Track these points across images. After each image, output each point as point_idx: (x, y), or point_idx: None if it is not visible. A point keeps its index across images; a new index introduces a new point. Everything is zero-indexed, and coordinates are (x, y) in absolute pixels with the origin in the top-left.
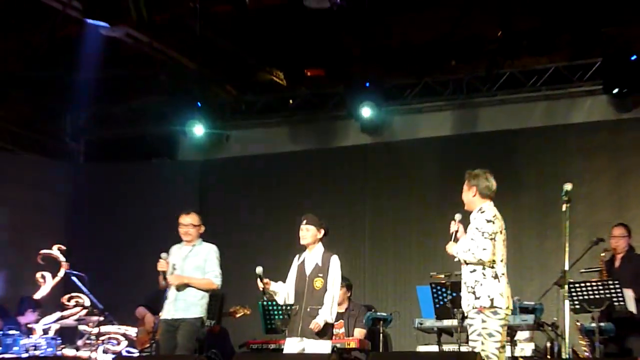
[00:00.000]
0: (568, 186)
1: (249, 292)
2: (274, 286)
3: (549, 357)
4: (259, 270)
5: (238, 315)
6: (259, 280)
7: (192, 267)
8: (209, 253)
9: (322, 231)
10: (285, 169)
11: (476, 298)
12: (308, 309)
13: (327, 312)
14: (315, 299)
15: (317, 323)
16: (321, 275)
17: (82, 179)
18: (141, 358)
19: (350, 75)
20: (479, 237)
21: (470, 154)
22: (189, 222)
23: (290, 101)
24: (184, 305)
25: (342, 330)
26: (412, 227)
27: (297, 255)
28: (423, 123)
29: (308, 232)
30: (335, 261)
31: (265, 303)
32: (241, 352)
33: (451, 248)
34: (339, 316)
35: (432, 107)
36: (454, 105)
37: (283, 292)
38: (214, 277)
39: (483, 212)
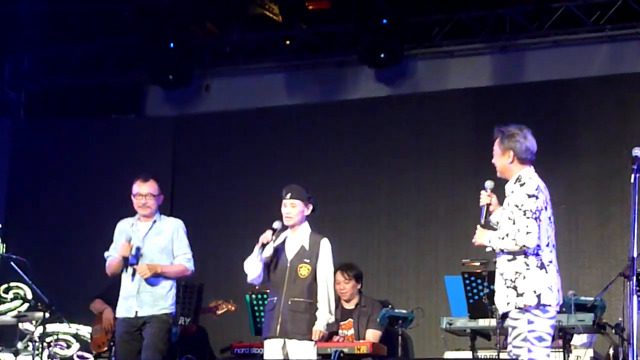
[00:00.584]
0: (638, 151)
1: (233, 282)
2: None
3: None
4: (277, 224)
5: (220, 312)
6: (270, 233)
7: (156, 250)
8: (177, 230)
9: (310, 207)
10: (279, 127)
11: (519, 295)
12: (289, 302)
13: (327, 312)
14: (298, 290)
15: (318, 330)
16: (307, 261)
17: (23, 138)
18: None
19: (363, 10)
20: (519, 217)
21: (513, 109)
22: (147, 191)
23: (287, 42)
24: (151, 299)
25: (352, 331)
26: (439, 201)
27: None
28: (454, 70)
29: (294, 209)
30: (326, 245)
31: (253, 296)
32: (223, 358)
33: (482, 236)
34: (348, 314)
35: (466, 51)
36: (493, 48)
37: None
38: (187, 261)
39: (523, 183)
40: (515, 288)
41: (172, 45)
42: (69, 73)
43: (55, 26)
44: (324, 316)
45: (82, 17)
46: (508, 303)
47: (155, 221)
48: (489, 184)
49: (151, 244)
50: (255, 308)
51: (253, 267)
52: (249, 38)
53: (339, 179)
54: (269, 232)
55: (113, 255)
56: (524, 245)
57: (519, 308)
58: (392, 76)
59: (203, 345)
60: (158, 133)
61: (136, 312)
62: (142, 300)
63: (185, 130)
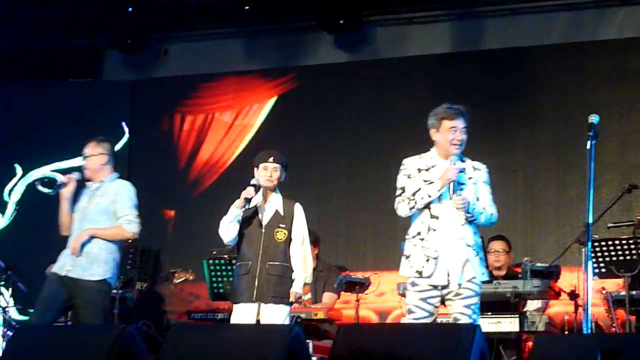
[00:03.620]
0: (594, 118)
1: (191, 249)
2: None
3: (566, 332)
4: (255, 181)
5: (177, 281)
6: (252, 189)
7: (96, 211)
8: (120, 191)
9: (285, 173)
10: (236, 92)
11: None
12: (267, 266)
13: (304, 275)
14: (275, 254)
15: (296, 292)
16: (283, 226)
17: None
18: (54, 328)
19: None
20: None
21: (472, 76)
22: (98, 152)
23: (246, 7)
24: (85, 262)
25: (309, 296)
26: (397, 167)
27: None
28: (414, 37)
29: (276, 173)
30: (300, 210)
31: (210, 262)
32: (179, 323)
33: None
34: None
35: (425, 18)
36: (452, 15)
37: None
38: (127, 223)
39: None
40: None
41: (130, 9)
42: (27, 36)
43: None
44: (301, 277)
45: None
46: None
47: (102, 181)
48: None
49: (93, 205)
50: (213, 274)
51: (231, 229)
52: (208, 2)
53: (298, 144)
54: (250, 188)
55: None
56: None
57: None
58: (352, 42)
59: (159, 311)
60: (115, 97)
61: (67, 271)
62: (76, 261)
63: (142, 94)
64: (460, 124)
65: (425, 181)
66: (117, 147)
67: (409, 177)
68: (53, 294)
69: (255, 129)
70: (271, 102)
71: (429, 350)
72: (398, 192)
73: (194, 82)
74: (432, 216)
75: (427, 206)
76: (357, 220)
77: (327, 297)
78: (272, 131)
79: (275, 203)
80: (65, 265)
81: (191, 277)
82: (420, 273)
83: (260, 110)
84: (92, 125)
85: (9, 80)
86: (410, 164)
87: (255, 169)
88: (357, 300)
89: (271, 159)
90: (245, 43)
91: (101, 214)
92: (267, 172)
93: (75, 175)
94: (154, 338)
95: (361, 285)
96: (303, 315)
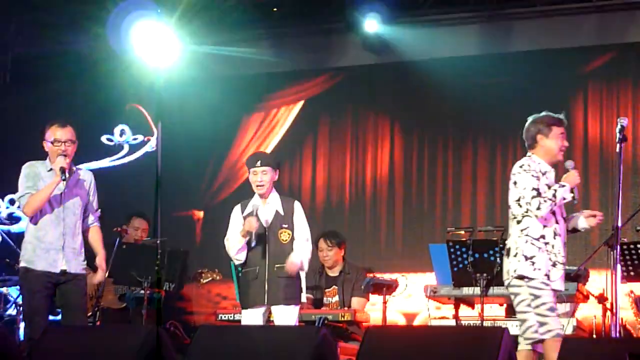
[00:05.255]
0: (624, 121)
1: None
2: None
3: (594, 335)
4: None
5: (204, 281)
6: (254, 220)
7: (78, 201)
8: (94, 183)
9: (277, 172)
10: (264, 93)
11: None
12: (275, 268)
13: (300, 252)
14: (281, 256)
15: (293, 261)
16: (286, 226)
17: (8, 103)
18: (82, 329)
19: None
20: None
21: (500, 78)
22: (67, 137)
23: (274, 9)
24: (73, 255)
25: (336, 298)
26: (425, 169)
27: (239, 206)
28: (441, 39)
29: (266, 176)
30: (299, 207)
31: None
32: (207, 324)
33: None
34: (332, 281)
35: (453, 20)
36: (481, 17)
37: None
38: (98, 221)
39: None
40: None
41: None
42: (56, 38)
43: None
44: (298, 253)
45: None
46: None
47: (74, 171)
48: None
49: (73, 196)
50: (240, 275)
51: (240, 253)
52: (236, 5)
53: (326, 146)
54: (252, 219)
55: (31, 192)
56: None
57: None
58: (380, 44)
59: (187, 312)
60: (145, 98)
61: (62, 267)
62: (67, 255)
63: (172, 95)
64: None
65: (547, 185)
66: (148, 148)
67: (537, 179)
68: None
69: (283, 132)
70: (299, 104)
71: (456, 352)
72: (533, 192)
73: (222, 84)
74: (557, 221)
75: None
76: (385, 222)
77: (356, 302)
78: (299, 133)
79: (274, 204)
80: (57, 261)
81: (218, 278)
82: (548, 277)
83: (288, 113)
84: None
85: (38, 82)
86: (533, 166)
87: (248, 173)
88: (384, 302)
89: (258, 163)
90: (272, 45)
91: (83, 204)
92: (256, 177)
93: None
94: (182, 339)
95: (388, 287)
96: (330, 317)
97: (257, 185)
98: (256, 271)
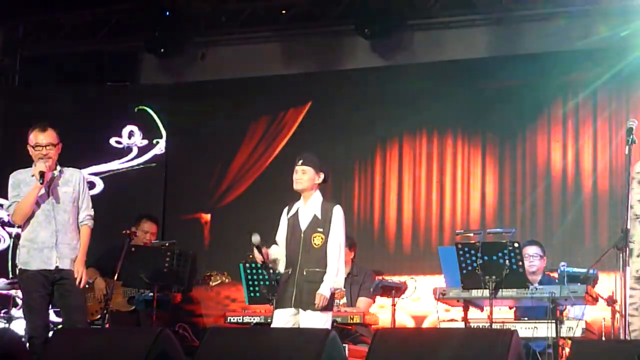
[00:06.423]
0: (633, 123)
1: (228, 253)
2: (273, 252)
3: (604, 338)
4: (256, 239)
5: (213, 284)
6: (256, 251)
7: (68, 200)
8: (80, 182)
9: (321, 175)
10: (274, 95)
11: None
12: (305, 273)
13: (332, 278)
14: (313, 260)
15: (322, 294)
16: (321, 230)
17: (17, 104)
18: (92, 331)
19: None
20: None
21: (509, 80)
22: (47, 141)
23: (284, 11)
24: (68, 252)
25: (344, 300)
26: (433, 172)
27: (287, 207)
28: (451, 41)
29: (305, 175)
30: (338, 212)
31: (247, 265)
32: (216, 326)
33: None
34: None
35: (462, 22)
36: (490, 19)
37: (283, 257)
38: (89, 220)
39: None
40: None
41: (167, 13)
42: (64, 40)
43: None
44: (330, 280)
45: None
46: None
47: (60, 170)
48: None
49: (62, 194)
50: (249, 277)
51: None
52: (245, 7)
53: (334, 149)
54: (257, 254)
55: (16, 201)
56: None
57: None
58: (388, 47)
59: (196, 315)
60: (152, 100)
61: (57, 264)
62: (61, 252)
63: (179, 98)
64: None
65: None
66: (155, 151)
67: None
68: None
69: (291, 133)
70: (307, 106)
71: (465, 355)
72: None
73: (230, 86)
74: None
75: None
76: (394, 224)
77: (362, 302)
78: (308, 135)
79: (313, 207)
80: (51, 258)
81: (227, 280)
82: None
83: (296, 115)
84: (130, 128)
85: (46, 84)
86: None
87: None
88: (393, 305)
89: (300, 162)
90: (281, 47)
91: (73, 202)
92: (296, 175)
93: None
94: (191, 341)
95: (397, 290)
96: (339, 320)
97: (295, 181)
98: (289, 273)
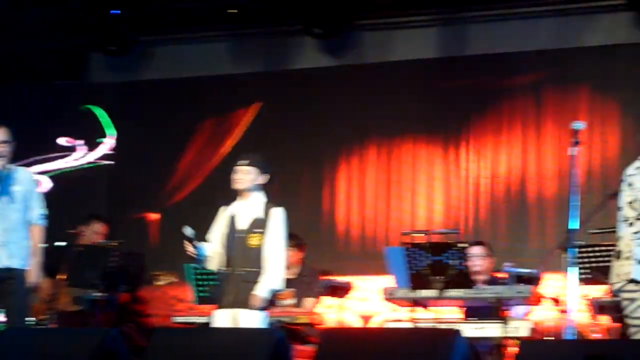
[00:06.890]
0: (579, 124)
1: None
2: (206, 249)
3: (548, 338)
4: (189, 231)
5: (160, 284)
6: (188, 244)
7: (20, 198)
8: (30, 181)
9: (266, 176)
10: (222, 94)
11: None
12: (242, 272)
13: (269, 280)
14: (250, 260)
15: (257, 295)
16: (260, 231)
17: None
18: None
19: None
20: None
21: (457, 80)
22: (2, 138)
23: (232, 11)
24: (17, 250)
25: (293, 300)
26: (382, 172)
27: (224, 207)
28: (399, 42)
29: (248, 175)
30: (278, 214)
31: (193, 266)
32: (163, 327)
33: None
34: (288, 284)
35: (411, 23)
36: (438, 20)
37: (215, 255)
38: (41, 220)
39: None
40: None
41: (117, 11)
42: (9, 39)
43: None
44: (266, 281)
45: None
46: None
47: (12, 169)
48: None
49: (14, 192)
50: (199, 277)
51: (208, 263)
52: (193, 6)
53: (282, 149)
54: (188, 246)
55: None
56: None
57: None
58: (337, 47)
59: (143, 314)
60: (99, 99)
61: (4, 263)
62: (10, 250)
63: (126, 97)
64: None
65: None
66: (102, 149)
67: None
68: None
69: (239, 133)
70: (256, 106)
71: (411, 354)
72: None
73: (178, 85)
74: None
75: None
76: (342, 224)
77: (308, 302)
78: (256, 135)
79: (254, 207)
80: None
81: (175, 280)
82: None
83: (244, 115)
84: (78, 126)
85: None
86: None
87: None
88: (340, 305)
89: (246, 162)
90: (230, 47)
91: (23, 201)
92: (236, 175)
93: None
94: (138, 341)
95: (343, 289)
96: (288, 319)
97: (234, 181)
98: (227, 272)
